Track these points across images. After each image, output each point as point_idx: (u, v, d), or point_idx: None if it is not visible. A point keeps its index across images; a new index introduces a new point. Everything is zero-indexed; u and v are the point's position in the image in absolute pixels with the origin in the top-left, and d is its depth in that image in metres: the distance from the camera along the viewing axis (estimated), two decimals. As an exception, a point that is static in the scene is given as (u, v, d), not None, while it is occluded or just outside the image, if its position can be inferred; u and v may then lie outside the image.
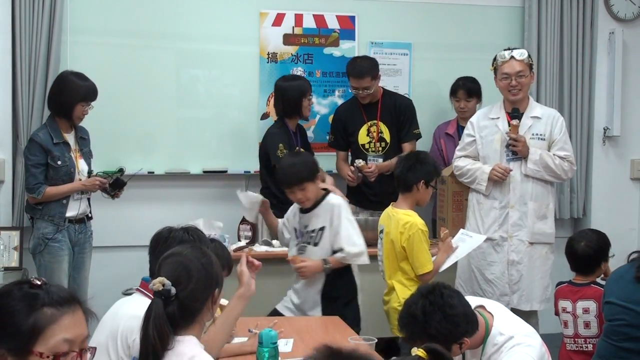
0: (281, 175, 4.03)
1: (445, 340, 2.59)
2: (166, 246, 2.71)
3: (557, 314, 3.99)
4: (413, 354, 2.02)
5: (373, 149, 5.11)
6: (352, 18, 5.51)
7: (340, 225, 3.95)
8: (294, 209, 4.14)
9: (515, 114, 4.46)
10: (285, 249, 4.59)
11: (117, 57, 5.16)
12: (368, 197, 5.09)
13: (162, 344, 2.14)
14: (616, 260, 3.93)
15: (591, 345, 3.78)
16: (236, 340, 3.18)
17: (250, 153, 5.12)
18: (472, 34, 5.67)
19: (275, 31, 5.38)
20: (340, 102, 5.41)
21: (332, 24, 5.48)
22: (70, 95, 4.40)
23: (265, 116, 5.29)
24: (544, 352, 2.87)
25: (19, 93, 4.85)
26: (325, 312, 3.95)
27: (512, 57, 4.43)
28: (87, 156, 4.60)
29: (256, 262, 2.78)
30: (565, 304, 3.90)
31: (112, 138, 5.12)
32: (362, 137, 5.13)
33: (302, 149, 5.02)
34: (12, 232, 4.74)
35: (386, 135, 5.13)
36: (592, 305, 3.80)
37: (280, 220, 4.25)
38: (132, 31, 5.19)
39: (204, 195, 5.36)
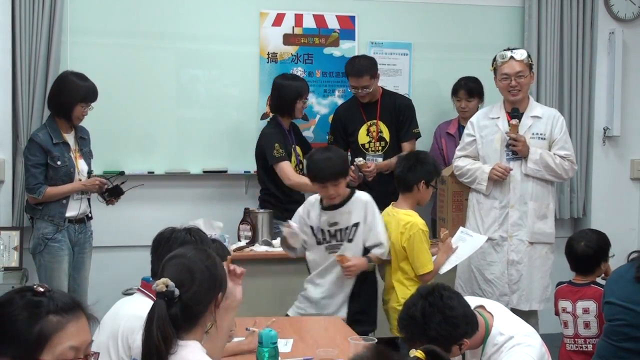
0: (316, 170, 3.88)
1: (445, 342, 2.60)
2: (168, 246, 2.70)
3: (557, 314, 3.99)
4: (412, 356, 2.02)
5: (373, 149, 5.11)
6: (352, 18, 5.51)
7: (375, 221, 3.93)
8: (309, 208, 4.01)
9: (515, 113, 4.46)
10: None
11: (117, 57, 5.15)
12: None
13: (167, 346, 2.13)
14: (616, 260, 3.93)
15: (591, 345, 3.78)
16: (235, 340, 3.18)
17: (250, 153, 5.12)
18: (472, 34, 5.67)
19: (275, 31, 5.38)
20: (340, 102, 5.41)
21: (332, 24, 5.48)
22: (69, 95, 4.40)
23: (265, 116, 5.29)
24: (544, 352, 2.87)
25: (19, 93, 4.85)
26: (350, 311, 3.94)
27: (511, 57, 4.43)
28: (87, 156, 4.59)
29: (238, 270, 2.68)
30: (565, 304, 3.90)
31: (112, 138, 5.12)
32: (362, 137, 5.13)
33: (297, 147, 5.03)
34: (12, 232, 4.74)
35: (386, 134, 5.13)
36: (592, 305, 3.80)
37: (290, 231, 3.96)
38: (132, 31, 5.19)
39: (204, 195, 5.36)
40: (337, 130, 5.19)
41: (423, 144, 5.30)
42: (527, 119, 4.50)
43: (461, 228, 4.29)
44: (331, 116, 5.36)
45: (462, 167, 4.59)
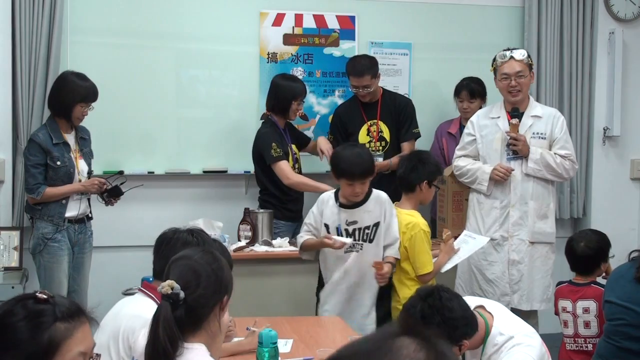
0: (346, 167, 3.77)
1: None
2: (170, 247, 2.70)
3: (557, 313, 3.99)
4: None
5: (373, 149, 5.11)
6: (352, 18, 5.51)
7: (392, 220, 3.91)
8: (323, 206, 3.93)
9: (515, 113, 4.46)
10: (285, 249, 4.60)
11: (117, 57, 5.15)
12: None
13: (173, 348, 2.12)
14: (616, 260, 3.93)
15: (591, 345, 3.78)
16: (235, 340, 3.18)
17: (250, 153, 5.11)
18: (472, 34, 5.67)
19: (275, 31, 5.39)
20: (340, 102, 5.41)
21: (332, 24, 5.48)
22: (69, 95, 4.40)
23: (265, 116, 5.28)
24: (544, 352, 2.87)
25: (19, 93, 4.84)
26: (378, 314, 3.95)
27: (511, 57, 4.43)
28: (88, 156, 4.59)
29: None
30: (565, 303, 3.90)
31: (112, 138, 5.12)
32: (362, 137, 5.13)
33: (293, 145, 5.03)
34: (12, 232, 4.74)
35: (386, 134, 5.13)
36: (592, 305, 3.80)
37: (308, 234, 3.97)
38: (132, 31, 5.19)
39: (204, 195, 5.36)
40: (337, 129, 5.19)
41: (423, 144, 5.30)
42: (528, 118, 4.50)
43: (465, 231, 4.30)
44: (331, 116, 5.36)
45: (462, 167, 4.59)
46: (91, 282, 4.67)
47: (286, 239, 4.72)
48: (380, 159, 5.05)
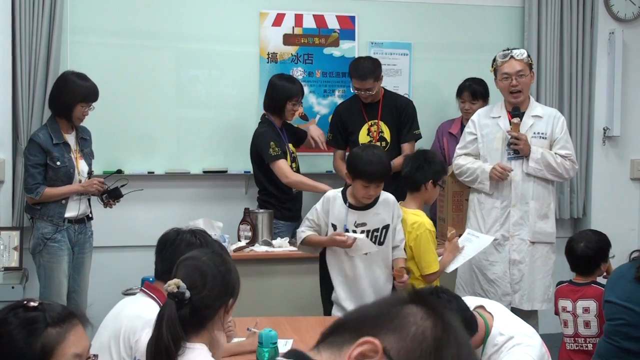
0: (365, 169, 3.68)
1: None
2: (174, 248, 2.70)
3: (557, 313, 3.99)
4: None
5: (373, 149, 5.11)
6: (352, 18, 5.51)
7: (399, 222, 3.89)
8: (329, 205, 3.85)
9: (516, 112, 4.46)
10: (285, 249, 4.60)
11: (117, 57, 5.16)
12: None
13: (175, 347, 2.13)
14: (616, 260, 3.94)
15: (591, 344, 3.78)
16: (236, 340, 3.18)
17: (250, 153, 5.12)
18: (472, 34, 5.67)
19: (275, 31, 5.39)
20: (340, 102, 5.40)
21: (332, 24, 5.48)
22: (70, 95, 4.40)
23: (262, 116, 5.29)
24: (544, 352, 2.87)
25: (19, 93, 4.84)
26: None
27: (511, 57, 4.43)
28: (88, 157, 4.59)
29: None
30: (565, 303, 3.90)
31: (112, 138, 5.12)
32: (363, 137, 5.13)
33: (290, 144, 5.03)
34: (12, 232, 4.74)
35: (387, 135, 5.13)
36: (592, 304, 3.80)
37: (309, 229, 3.88)
38: (132, 31, 5.19)
39: (204, 195, 5.36)
40: (337, 128, 5.18)
41: (423, 144, 5.29)
42: (528, 118, 4.50)
43: (468, 229, 4.30)
44: (331, 115, 5.35)
45: (462, 165, 4.59)
46: (91, 282, 4.67)
47: (286, 239, 4.72)
48: None
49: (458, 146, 4.69)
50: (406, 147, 5.07)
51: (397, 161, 4.79)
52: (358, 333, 1.20)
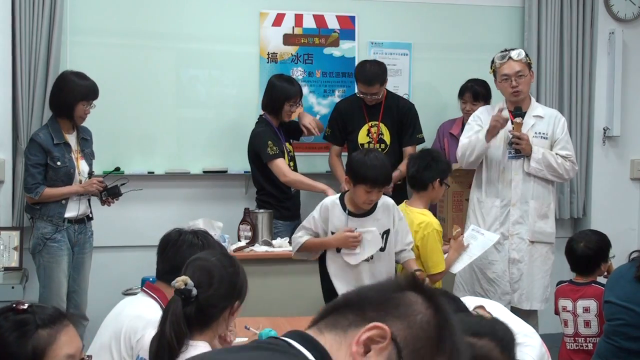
0: (369, 172, 3.58)
1: None
2: (176, 249, 2.71)
3: (557, 313, 3.99)
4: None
5: (371, 150, 5.10)
6: (352, 18, 5.51)
7: (403, 224, 3.81)
8: (326, 213, 3.76)
9: (518, 112, 4.46)
10: (285, 249, 4.60)
11: (117, 57, 5.15)
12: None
13: (178, 343, 2.15)
14: (616, 260, 3.94)
15: (591, 344, 3.78)
16: (237, 340, 3.18)
17: (250, 153, 5.12)
18: (472, 34, 5.67)
19: (275, 31, 5.38)
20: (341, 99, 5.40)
21: (332, 24, 5.47)
22: (70, 94, 4.40)
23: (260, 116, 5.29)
24: (544, 352, 2.87)
25: (19, 93, 4.84)
26: None
27: (509, 58, 4.44)
28: (89, 157, 4.59)
29: (229, 339, 2.63)
30: (565, 302, 3.90)
31: (112, 138, 5.12)
32: (362, 137, 5.13)
33: (287, 143, 5.03)
34: (12, 232, 4.74)
35: (386, 137, 5.12)
36: (592, 304, 3.80)
37: (306, 235, 3.81)
38: (132, 31, 5.19)
39: (204, 195, 5.36)
40: (337, 125, 5.17)
41: (423, 144, 5.29)
42: (530, 118, 4.51)
43: (472, 226, 4.30)
44: (332, 111, 5.33)
45: (463, 143, 4.52)
46: (91, 282, 4.67)
47: (286, 239, 4.72)
48: None
49: (463, 135, 4.64)
50: (408, 151, 5.03)
51: (403, 169, 4.76)
52: (363, 317, 1.21)
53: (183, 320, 2.16)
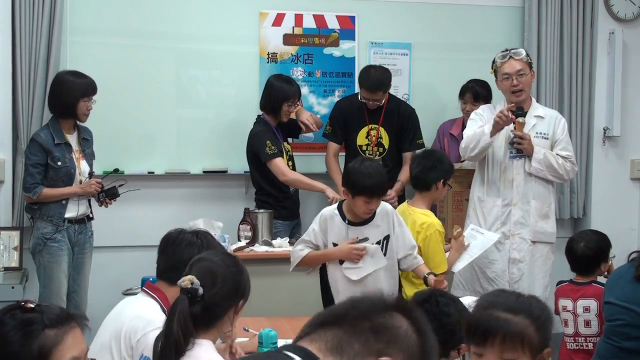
0: (367, 182, 3.54)
1: (442, 348, 2.59)
2: (174, 246, 2.74)
3: (557, 312, 3.99)
4: None
5: (370, 153, 5.10)
6: (352, 18, 5.51)
7: (403, 229, 3.77)
8: (326, 224, 3.72)
9: (520, 112, 4.45)
10: (285, 249, 4.60)
11: (117, 57, 5.15)
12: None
13: (185, 341, 2.18)
14: (616, 260, 3.94)
15: (591, 344, 3.78)
16: (237, 340, 3.18)
17: (249, 153, 5.12)
18: (472, 34, 5.67)
19: (275, 31, 5.38)
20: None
21: (332, 24, 5.47)
22: (70, 94, 4.40)
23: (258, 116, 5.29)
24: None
25: (19, 93, 4.84)
26: None
27: (510, 57, 4.44)
28: (89, 157, 4.59)
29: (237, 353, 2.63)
30: (565, 302, 3.90)
31: (112, 138, 5.12)
32: (361, 138, 5.12)
33: (286, 142, 5.04)
34: (12, 232, 4.74)
35: (385, 141, 5.12)
36: (592, 303, 3.80)
37: (307, 249, 3.76)
38: (132, 31, 5.19)
39: (204, 195, 5.36)
40: (338, 123, 5.15)
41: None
42: (531, 118, 4.51)
43: (471, 225, 4.30)
44: (332, 109, 5.31)
45: (466, 136, 4.50)
46: (91, 282, 4.67)
47: (286, 239, 4.72)
48: None
49: (467, 129, 4.61)
50: (408, 157, 5.00)
51: (404, 177, 4.77)
52: (369, 348, 1.26)
53: (190, 319, 2.19)
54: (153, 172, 5.20)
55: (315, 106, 5.44)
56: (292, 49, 5.42)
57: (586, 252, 3.89)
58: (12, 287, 4.36)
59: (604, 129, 5.81)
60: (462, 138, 4.85)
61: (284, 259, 4.35)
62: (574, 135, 5.62)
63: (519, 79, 4.42)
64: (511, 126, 4.44)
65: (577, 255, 3.91)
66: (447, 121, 5.47)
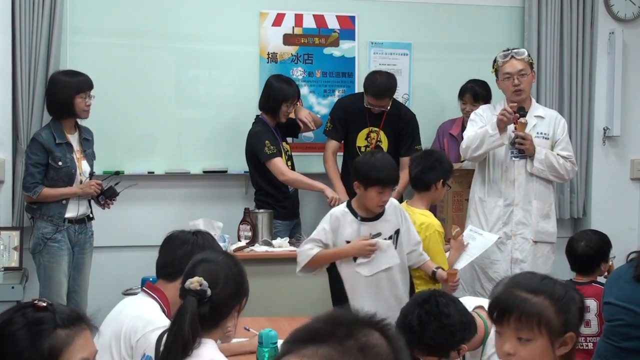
0: (380, 173, 3.55)
1: (442, 349, 2.61)
2: (172, 244, 2.77)
3: (557, 313, 3.99)
4: None
5: (369, 154, 5.09)
6: (352, 18, 5.51)
7: (408, 224, 3.79)
8: (337, 223, 3.68)
9: (521, 112, 4.45)
10: (285, 249, 4.60)
11: (117, 57, 5.15)
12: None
13: (193, 341, 2.22)
14: (616, 260, 3.94)
15: (591, 344, 3.78)
16: (236, 341, 3.18)
17: (250, 153, 5.11)
18: (472, 34, 5.67)
19: (275, 31, 5.39)
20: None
21: (332, 24, 5.48)
22: (65, 92, 4.39)
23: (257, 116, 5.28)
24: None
25: (19, 93, 4.84)
26: None
27: (512, 56, 4.44)
28: (90, 158, 4.59)
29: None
30: (565, 303, 3.90)
31: (112, 138, 5.12)
32: (360, 139, 5.12)
33: (284, 142, 5.04)
34: (12, 232, 4.74)
35: (384, 144, 5.12)
36: (592, 303, 3.80)
37: (317, 248, 3.69)
38: (132, 31, 5.19)
39: (204, 195, 5.36)
40: (339, 121, 5.14)
41: (423, 144, 5.29)
42: (531, 118, 4.52)
43: (470, 226, 4.29)
44: (334, 107, 5.31)
45: (468, 136, 4.49)
46: (91, 282, 4.67)
47: (286, 239, 4.72)
48: None
49: (468, 129, 4.61)
50: (405, 162, 4.99)
51: (400, 186, 4.76)
52: None
53: (198, 320, 2.23)
54: (153, 172, 5.20)
55: (315, 106, 5.45)
56: (292, 49, 5.42)
57: (587, 251, 3.89)
58: (12, 287, 4.36)
59: (604, 129, 5.81)
60: (462, 138, 4.86)
61: (284, 259, 4.36)
62: (574, 135, 5.62)
63: (520, 78, 4.42)
64: (512, 126, 4.45)
65: (577, 255, 3.91)
66: (446, 121, 5.47)
